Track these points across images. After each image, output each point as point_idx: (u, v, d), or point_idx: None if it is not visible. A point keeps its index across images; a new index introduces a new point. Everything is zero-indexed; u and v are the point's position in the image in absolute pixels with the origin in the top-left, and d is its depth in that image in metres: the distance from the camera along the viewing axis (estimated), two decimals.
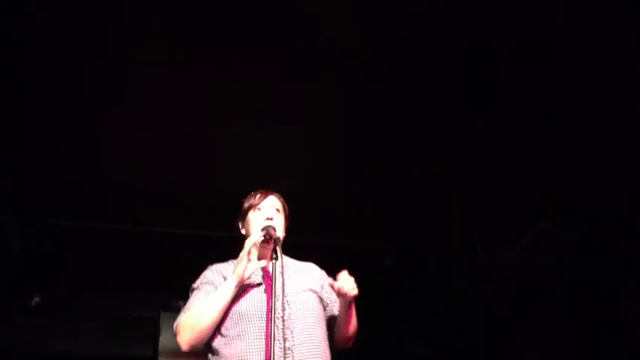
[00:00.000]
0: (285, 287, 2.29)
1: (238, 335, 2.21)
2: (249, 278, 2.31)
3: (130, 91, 3.55)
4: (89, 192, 4.33)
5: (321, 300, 2.40)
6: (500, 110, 3.66)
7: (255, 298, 2.28)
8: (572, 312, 4.78)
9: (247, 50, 3.27)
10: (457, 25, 3.15)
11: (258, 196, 2.52)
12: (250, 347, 2.17)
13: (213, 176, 4.16)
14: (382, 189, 4.42)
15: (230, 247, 2.28)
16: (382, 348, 5.35)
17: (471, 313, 5.53)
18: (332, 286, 2.30)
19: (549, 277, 4.93)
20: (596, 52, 3.25)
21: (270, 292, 2.17)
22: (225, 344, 2.23)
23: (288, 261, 2.46)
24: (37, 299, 5.15)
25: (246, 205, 2.52)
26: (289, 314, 2.25)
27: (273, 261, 2.19)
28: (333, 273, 2.47)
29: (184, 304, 2.42)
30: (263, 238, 2.32)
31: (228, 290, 2.25)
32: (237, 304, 2.27)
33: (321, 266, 2.58)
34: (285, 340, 2.17)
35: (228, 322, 2.26)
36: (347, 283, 2.27)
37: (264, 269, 2.37)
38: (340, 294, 2.28)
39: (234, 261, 2.36)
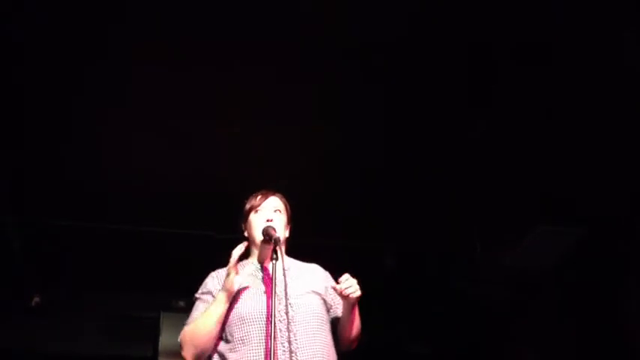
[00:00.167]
0: (288, 289, 2.27)
1: (242, 340, 2.19)
2: (249, 278, 2.31)
3: (130, 91, 3.55)
4: (89, 192, 4.33)
5: (325, 302, 2.36)
6: (500, 110, 3.66)
7: (256, 300, 2.26)
8: (572, 312, 4.78)
9: (247, 50, 3.27)
10: (457, 25, 3.15)
11: (258, 197, 2.49)
12: (253, 351, 2.15)
13: (213, 176, 4.16)
14: (382, 189, 4.41)
15: (230, 248, 2.27)
16: (382, 348, 5.35)
17: (471, 313, 5.53)
18: (335, 289, 2.28)
19: (549, 277, 4.93)
20: (596, 52, 3.25)
21: (270, 293, 2.16)
22: (231, 349, 2.21)
23: (291, 262, 2.44)
24: (37, 299, 5.15)
25: (247, 206, 2.49)
26: (292, 317, 2.23)
27: (274, 261, 2.18)
28: (333, 273, 2.47)
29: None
30: (263, 238, 2.31)
31: (221, 304, 2.23)
32: (238, 307, 2.25)
33: (321, 266, 2.57)
34: (289, 343, 2.16)
35: (231, 328, 2.23)
36: (349, 285, 2.25)
37: (264, 270, 2.36)
38: (343, 296, 2.26)
39: (240, 264, 2.37)
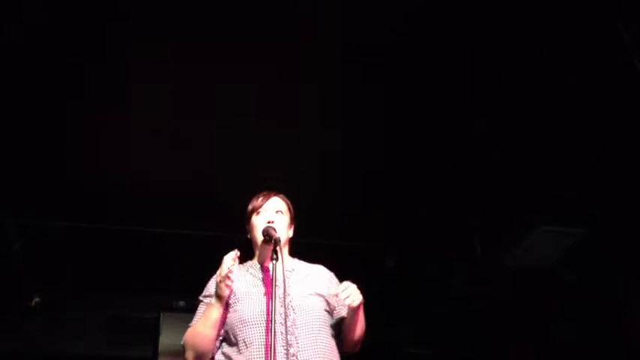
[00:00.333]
0: (290, 291, 2.27)
1: (244, 342, 2.19)
2: (250, 279, 2.30)
3: (129, 92, 3.54)
4: (89, 193, 4.33)
5: (329, 303, 2.35)
6: (500, 111, 3.65)
7: (256, 302, 2.25)
8: (572, 313, 4.78)
9: (247, 50, 3.27)
10: (457, 25, 3.14)
11: (260, 198, 2.48)
12: (255, 353, 2.15)
13: (213, 176, 4.16)
14: (383, 189, 4.41)
15: (230, 248, 2.26)
16: (383, 349, 5.34)
17: (472, 314, 5.53)
18: (337, 296, 2.25)
19: (549, 278, 4.92)
20: (597, 52, 3.25)
21: (270, 294, 2.15)
22: (236, 352, 2.21)
23: (294, 264, 2.44)
24: (37, 299, 5.14)
25: (249, 208, 2.48)
26: (294, 320, 2.22)
27: (274, 262, 2.17)
28: (333, 273, 2.47)
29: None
30: (263, 238, 2.31)
31: (215, 310, 2.23)
32: (239, 310, 2.25)
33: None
34: (289, 345, 2.14)
35: (234, 330, 2.23)
36: (348, 294, 2.19)
37: (264, 270, 2.35)
38: (346, 304, 2.25)
39: (243, 265, 2.36)
